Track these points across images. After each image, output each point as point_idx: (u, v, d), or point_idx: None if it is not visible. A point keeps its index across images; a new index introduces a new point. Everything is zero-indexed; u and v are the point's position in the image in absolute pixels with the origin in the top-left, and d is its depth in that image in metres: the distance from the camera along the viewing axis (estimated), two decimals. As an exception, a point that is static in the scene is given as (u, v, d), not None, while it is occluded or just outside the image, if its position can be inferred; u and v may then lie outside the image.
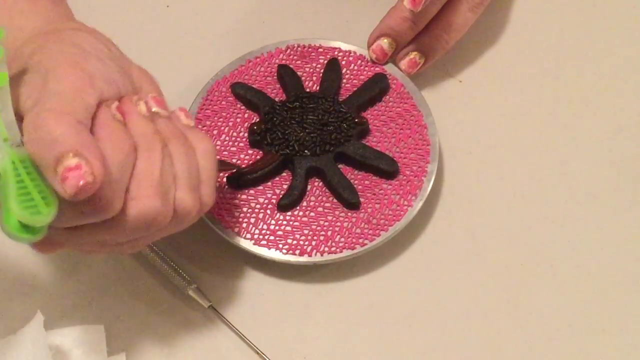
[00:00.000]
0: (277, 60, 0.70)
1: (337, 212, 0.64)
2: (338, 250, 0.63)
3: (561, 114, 0.71)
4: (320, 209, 0.65)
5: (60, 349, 0.60)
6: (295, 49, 0.71)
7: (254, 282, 0.65)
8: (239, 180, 0.65)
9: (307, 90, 0.69)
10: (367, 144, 0.66)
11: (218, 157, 0.60)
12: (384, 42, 0.69)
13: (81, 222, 0.52)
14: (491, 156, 0.69)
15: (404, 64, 0.70)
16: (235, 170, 0.65)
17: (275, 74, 0.70)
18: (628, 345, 0.62)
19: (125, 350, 0.62)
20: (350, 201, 0.64)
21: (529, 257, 0.65)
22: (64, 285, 0.64)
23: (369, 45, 0.70)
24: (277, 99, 0.68)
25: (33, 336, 0.59)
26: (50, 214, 0.49)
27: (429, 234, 0.66)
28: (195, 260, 0.65)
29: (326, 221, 0.64)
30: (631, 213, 0.67)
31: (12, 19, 0.57)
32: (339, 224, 0.64)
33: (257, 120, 0.68)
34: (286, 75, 0.69)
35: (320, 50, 0.71)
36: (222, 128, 0.68)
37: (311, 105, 0.67)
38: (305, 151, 0.65)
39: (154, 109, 0.56)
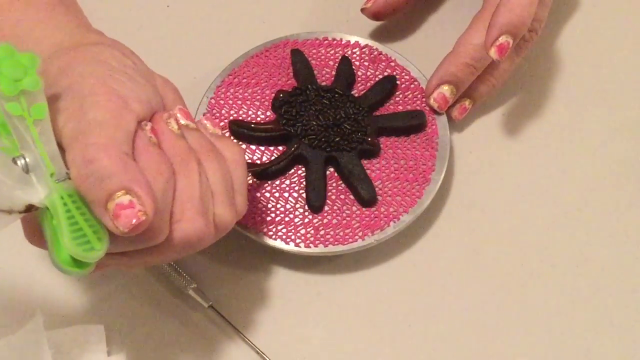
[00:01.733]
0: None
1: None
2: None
3: (562, 113, 0.71)
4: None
5: (60, 349, 0.60)
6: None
7: (254, 282, 0.65)
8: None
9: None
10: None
11: None
12: (446, 90, 0.67)
13: (130, 249, 0.52)
14: (491, 156, 0.69)
15: (454, 110, 0.68)
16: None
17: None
18: (628, 345, 0.62)
19: (125, 350, 0.62)
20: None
21: (529, 257, 0.66)
22: (64, 285, 0.64)
23: (429, 94, 0.67)
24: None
25: (33, 336, 0.59)
26: (103, 249, 0.49)
27: (429, 234, 0.66)
28: (195, 260, 0.65)
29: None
30: (631, 213, 0.67)
31: (32, 30, 0.56)
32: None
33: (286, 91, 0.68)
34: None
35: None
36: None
37: (336, 102, 0.67)
38: (304, 139, 0.65)
39: (182, 122, 0.56)
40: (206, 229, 0.53)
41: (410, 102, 0.69)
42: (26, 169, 0.49)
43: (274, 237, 0.63)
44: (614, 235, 0.66)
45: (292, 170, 0.66)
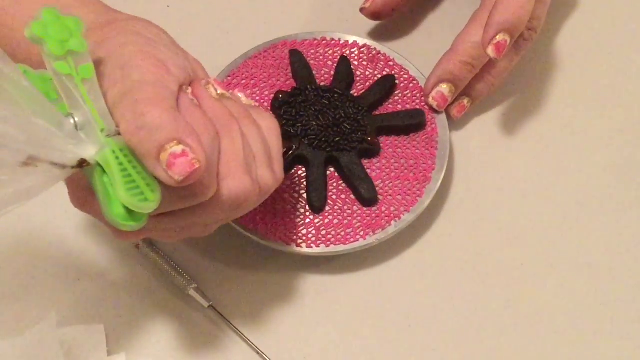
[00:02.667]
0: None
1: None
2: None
3: (562, 113, 0.71)
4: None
5: (61, 349, 0.60)
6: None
7: (254, 282, 0.65)
8: None
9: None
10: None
11: None
12: (444, 88, 0.67)
13: (179, 207, 0.52)
14: (491, 155, 0.69)
15: (453, 108, 0.68)
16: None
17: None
18: (628, 345, 0.63)
19: (125, 350, 0.62)
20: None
21: (529, 257, 0.66)
22: (64, 285, 0.64)
23: (428, 93, 0.67)
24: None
25: (45, 335, 0.59)
26: (156, 200, 0.49)
27: (430, 232, 0.66)
28: (195, 260, 0.65)
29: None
30: (632, 213, 0.67)
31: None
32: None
33: (286, 91, 0.68)
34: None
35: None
36: None
37: (335, 101, 0.67)
38: (304, 140, 0.65)
39: (219, 91, 0.56)
40: (252, 188, 0.54)
41: (409, 101, 0.69)
42: (76, 127, 0.50)
43: (274, 237, 0.63)
44: (615, 235, 0.66)
45: (293, 171, 0.66)
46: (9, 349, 0.60)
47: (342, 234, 0.64)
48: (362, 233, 0.64)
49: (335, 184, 0.65)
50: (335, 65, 0.70)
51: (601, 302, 0.64)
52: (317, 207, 0.64)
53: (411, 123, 0.67)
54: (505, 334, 0.63)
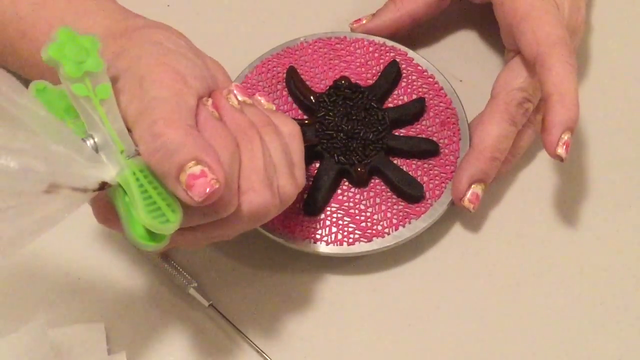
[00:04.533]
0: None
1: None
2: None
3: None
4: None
5: (61, 348, 0.61)
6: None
7: (254, 281, 0.65)
8: None
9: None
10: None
11: None
12: (479, 189, 0.64)
13: (201, 222, 0.52)
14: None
15: (466, 200, 0.64)
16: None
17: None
18: (628, 345, 0.62)
19: (125, 349, 0.62)
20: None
21: (529, 256, 0.66)
22: (64, 284, 0.64)
23: (461, 196, 0.64)
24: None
25: (34, 335, 0.59)
26: (177, 221, 0.49)
27: (430, 233, 0.66)
28: (195, 259, 0.65)
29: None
30: (632, 212, 0.67)
31: (79, 20, 0.57)
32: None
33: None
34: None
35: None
36: None
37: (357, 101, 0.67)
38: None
39: (240, 98, 0.56)
40: (272, 200, 0.54)
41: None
42: (96, 149, 0.50)
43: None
44: (615, 235, 0.66)
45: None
46: (5, 348, 0.60)
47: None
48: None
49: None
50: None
51: (601, 302, 0.64)
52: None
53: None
54: (507, 337, 0.63)
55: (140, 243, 0.49)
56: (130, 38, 0.55)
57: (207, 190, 0.49)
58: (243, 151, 0.54)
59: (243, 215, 0.53)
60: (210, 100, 0.55)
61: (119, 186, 0.50)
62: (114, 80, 0.52)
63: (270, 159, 0.55)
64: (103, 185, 0.50)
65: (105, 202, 0.52)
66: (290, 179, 0.56)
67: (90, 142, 0.50)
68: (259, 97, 0.58)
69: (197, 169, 0.49)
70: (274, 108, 0.59)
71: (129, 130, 0.51)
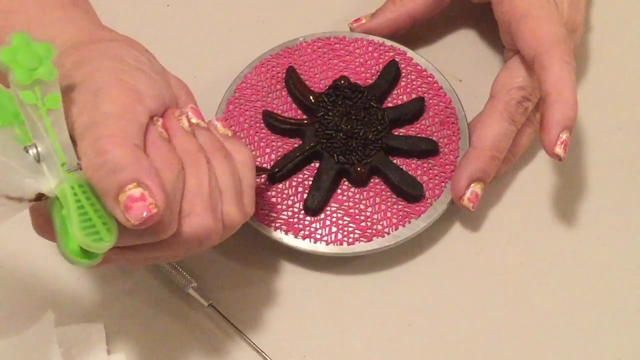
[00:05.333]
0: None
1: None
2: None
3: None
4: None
5: (60, 347, 0.60)
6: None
7: (254, 281, 0.65)
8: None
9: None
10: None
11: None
12: (479, 188, 0.64)
13: (137, 243, 0.52)
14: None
15: (466, 199, 0.64)
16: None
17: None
18: (628, 345, 0.62)
19: (124, 349, 0.62)
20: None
21: (529, 256, 0.66)
22: (64, 284, 0.64)
23: (460, 195, 0.64)
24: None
25: (43, 334, 0.59)
26: (112, 240, 0.49)
27: (429, 232, 0.66)
28: (195, 258, 0.65)
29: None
30: (632, 212, 0.67)
31: (45, 29, 0.56)
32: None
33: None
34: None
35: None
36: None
37: (356, 100, 0.67)
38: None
39: (193, 121, 0.56)
40: (214, 225, 0.54)
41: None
42: (37, 158, 0.49)
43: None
44: (615, 234, 0.66)
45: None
46: (7, 348, 0.60)
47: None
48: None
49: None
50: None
51: (601, 302, 0.64)
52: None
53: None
54: (507, 336, 0.63)
55: (71, 259, 0.48)
56: (92, 50, 0.54)
57: (144, 214, 0.48)
58: (188, 174, 0.53)
59: (183, 239, 0.53)
60: (160, 120, 0.54)
61: (57, 199, 0.49)
62: (69, 90, 0.51)
63: (216, 184, 0.54)
64: (40, 197, 0.49)
65: (44, 212, 0.51)
66: (237, 206, 0.55)
67: (33, 151, 0.49)
68: (216, 122, 0.58)
69: (136, 192, 0.49)
70: (230, 134, 0.58)
71: (74, 143, 0.50)
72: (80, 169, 0.50)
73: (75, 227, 0.48)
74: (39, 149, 0.49)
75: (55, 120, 0.49)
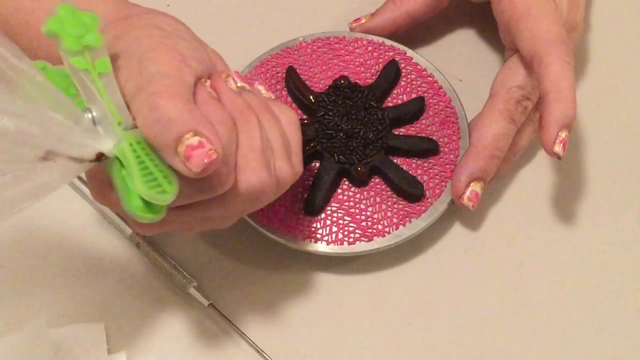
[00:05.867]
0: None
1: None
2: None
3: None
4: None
5: (61, 347, 0.61)
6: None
7: (254, 281, 0.65)
8: None
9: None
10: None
11: None
12: (478, 187, 0.64)
13: (197, 199, 0.52)
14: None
15: (466, 198, 0.64)
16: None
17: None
18: (628, 345, 0.62)
19: (125, 349, 0.62)
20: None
21: (529, 256, 0.66)
22: (65, 284, 0.64)
23: (460, 194, 0.64)
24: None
25: (35, 334, 0.59)
26: (174, 191, 0.49)
27: (430, 232, 0.66)
28: (195, 258, 0.65)
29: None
30: (632, 212, 0.67)
31: (79, 7, 0.57)
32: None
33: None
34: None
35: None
36: None
37: (363, 110, 0.67)
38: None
39: (239, 84, 0.56)
40: (269, 180, 0.54)
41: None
42: (93, 122, 0.50)
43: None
44: (615, 234, 0.66)
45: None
46: (5, 348, 0.60)
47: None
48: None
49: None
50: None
51: (601, 301, 0.64)
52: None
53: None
54: (507, 336, 0.63)
55: (137, 214, 0.49)
56: (131, 22, 0.55)
57: (206, 160, 0.49)
58: (240, 131, 0.54)
59: (239, 194, 0.53)
60: (209, 82, 0.55)
61: (116, 158, 0.50)
62: (113, 59, 0.52)
63: (267, 141, 0.55)
64: (100, 156, 0.50)
65: (102, 179, 0.52)
66: (288, 162, 0.56)
67: (88, 115, 0.50)
68: (259, 86, 0.59)
69: (194, 140, 0.49)
70: (273, 97, 0.59)
71: (127, 106, 0.51)
72: (136, 127, 0.50)
73: (137, 181, 0.49)
74: (94, 113, 0.50)
75: (107, 82, 0.50)
